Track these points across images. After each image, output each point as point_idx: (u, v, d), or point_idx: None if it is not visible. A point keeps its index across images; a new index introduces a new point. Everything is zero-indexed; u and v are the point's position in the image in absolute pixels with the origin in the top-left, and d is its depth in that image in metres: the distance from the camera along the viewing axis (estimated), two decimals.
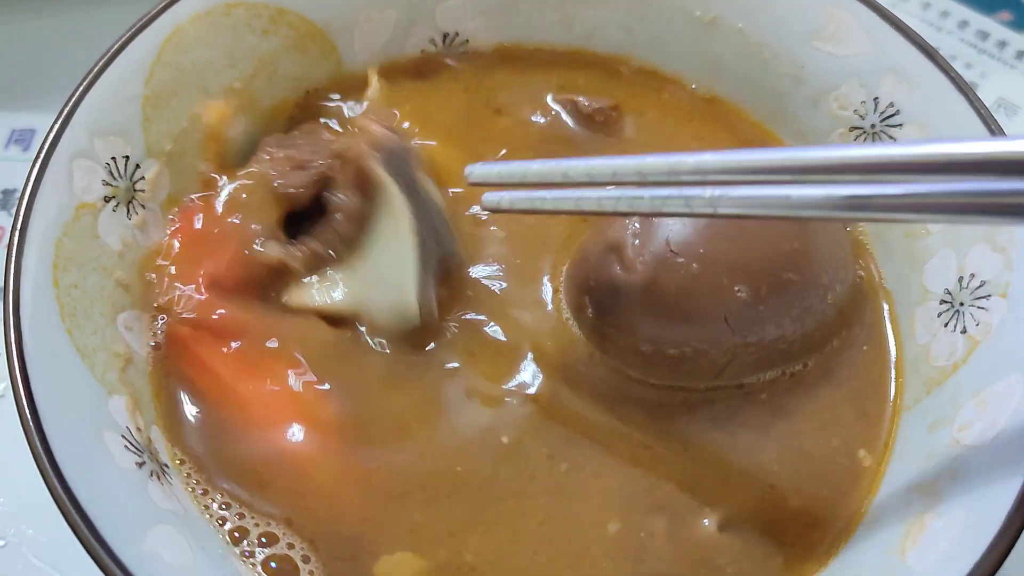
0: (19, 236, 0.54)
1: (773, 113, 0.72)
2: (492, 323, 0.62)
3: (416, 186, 0.63)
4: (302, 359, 0.59)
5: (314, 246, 0.61)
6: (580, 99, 0.72)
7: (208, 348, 0.59)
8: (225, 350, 0.59)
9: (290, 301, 0.61)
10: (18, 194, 0.80)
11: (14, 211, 0.55)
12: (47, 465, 0.48)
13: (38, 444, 0.48)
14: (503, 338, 0.62)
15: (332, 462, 0.57)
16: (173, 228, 0.64)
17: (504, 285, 0.64)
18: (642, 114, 0.73)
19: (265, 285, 0.61)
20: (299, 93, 0.72)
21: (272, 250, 0.61)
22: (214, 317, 0.60)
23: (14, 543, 0.65)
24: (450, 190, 0.67)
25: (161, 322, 0.61)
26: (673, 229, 0.57)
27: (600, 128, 0.72)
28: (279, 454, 0.57)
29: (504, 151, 0.70)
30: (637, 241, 0.57)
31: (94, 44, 0.62)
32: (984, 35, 0.94)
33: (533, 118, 0.72)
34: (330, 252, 0.62)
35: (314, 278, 0.61)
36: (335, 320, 0.61)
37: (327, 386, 0.59)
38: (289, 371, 0.59)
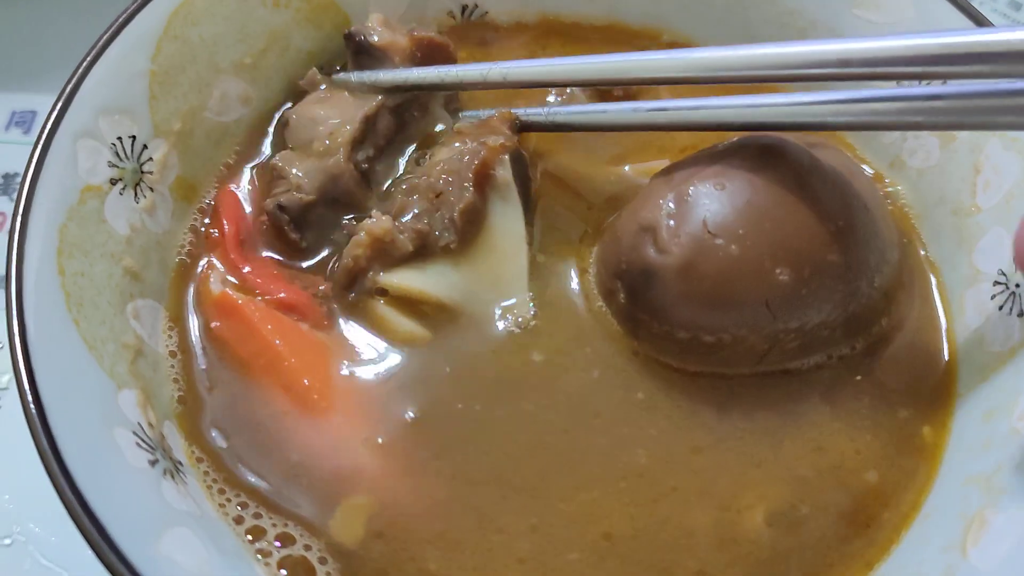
0: (21, 221, 0.51)
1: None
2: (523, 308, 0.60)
3: (529, 190, 0.63)
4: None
5: (422, 227, 0.60)
6: None
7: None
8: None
9: (386, 281, 0.59)
10: (20, 178, 0.78)
11: (15, 196, 0.52)
12: (54, 465, 0.45)
13: (44, 443, 0.45)
14: (530, 326, 0.59)
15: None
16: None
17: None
18: (676, 88, 0.69)
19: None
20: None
21: (382, 223, 0.59)
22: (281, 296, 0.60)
23: (20, 541, 0.63)
24: None
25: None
26: (711, 209, 0.54)
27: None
28: (311, 448, 0.55)
29: None
30: (672, 222, 0.54)
31: (99, 22, 0.59)
32: (1017, 5, 0.91)
33: (548, 98, 0.68)
34: (438, 236, 0.60)
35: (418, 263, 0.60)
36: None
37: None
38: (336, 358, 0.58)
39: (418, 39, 0.66)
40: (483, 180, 0.60)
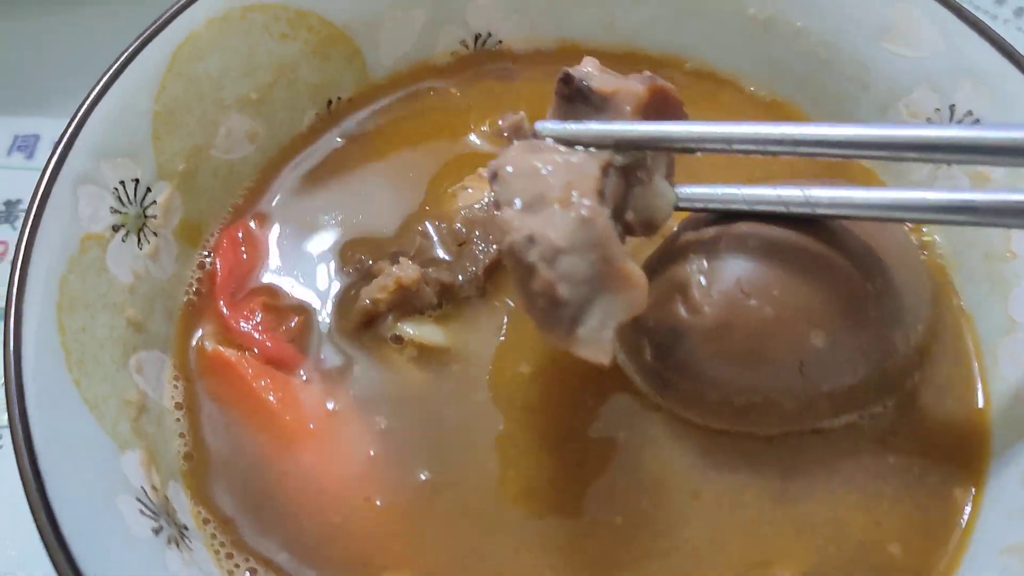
0: (19, 275, 0.49)
1: (838, 120, 0.66)
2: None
3: None
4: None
5: (446, 280, 0.59)
6: None
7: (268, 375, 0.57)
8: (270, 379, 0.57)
9: (404, 331, 0.58)
10: (22, 206, 0.75)
11: (18, 225, 0.50)
12: (53, 540, 0.43)
13: (43, 516, 0.43)
14: (544, 376, 0.57)
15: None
16: None
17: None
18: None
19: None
20: (321, 104, 0.67)
21: (410, 273, 0.58)
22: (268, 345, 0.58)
23: None
24: None
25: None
26: (745, 268, 0.51)
27: None
28: (317, 502, 0.53)
29: None
30: (704, 280, 0.52)
31: (103, 44, 0.58)
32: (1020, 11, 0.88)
33: None
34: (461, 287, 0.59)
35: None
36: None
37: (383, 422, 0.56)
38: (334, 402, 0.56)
39: (658, 88, 0.54)
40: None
